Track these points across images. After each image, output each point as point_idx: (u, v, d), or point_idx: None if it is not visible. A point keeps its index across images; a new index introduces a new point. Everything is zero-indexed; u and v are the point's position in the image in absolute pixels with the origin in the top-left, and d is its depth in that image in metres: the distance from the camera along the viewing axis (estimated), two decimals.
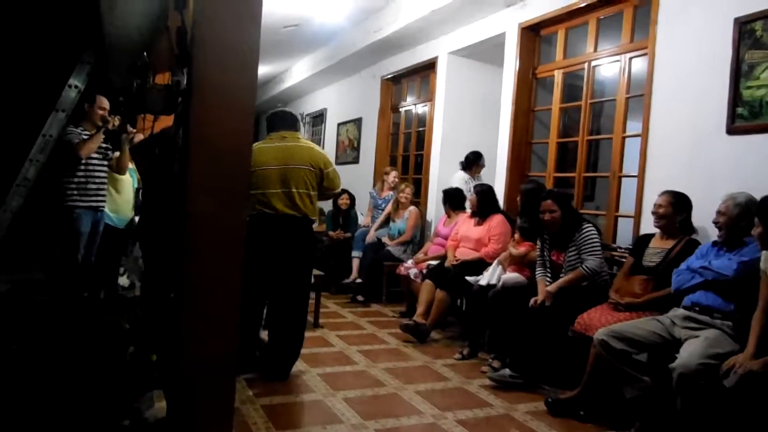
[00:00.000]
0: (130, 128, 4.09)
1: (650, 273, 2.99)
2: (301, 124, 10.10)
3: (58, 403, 2.26)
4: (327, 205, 6.71)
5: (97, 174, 4.10)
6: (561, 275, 3.40)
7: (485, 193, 4.47)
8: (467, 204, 4.91)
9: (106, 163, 4.19)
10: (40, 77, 4.23)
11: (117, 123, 4.08)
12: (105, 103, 4.11)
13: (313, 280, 4.18)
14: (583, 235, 3.33)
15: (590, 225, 3.39)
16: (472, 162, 5.44)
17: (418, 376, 3.47)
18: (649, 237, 3.16)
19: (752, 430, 2.21)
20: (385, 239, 5.67)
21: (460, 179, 5.41)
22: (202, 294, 2.37)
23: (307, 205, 3.21)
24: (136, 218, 4.35)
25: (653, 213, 3.09)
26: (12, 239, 4.06)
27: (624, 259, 3.31)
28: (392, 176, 6.12)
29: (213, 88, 2.36)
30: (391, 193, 6.00)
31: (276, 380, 3.19)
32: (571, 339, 3.03)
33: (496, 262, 3.97)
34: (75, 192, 3.99)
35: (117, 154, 4.33)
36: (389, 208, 5.87)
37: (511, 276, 3.77)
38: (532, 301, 3.37)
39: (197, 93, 2.36)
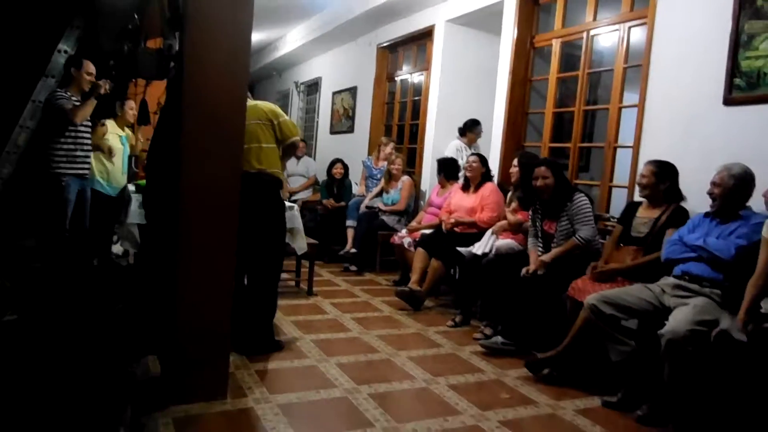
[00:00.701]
0: (101, 82, 4.00)
1: (640, 244, 3.02)
2: (296, 92, 10.01)
3: (52, 371, 2.29)
4: (321, 175, 6.70)
5: (85, 141, 4.08)
6: (552, 245, 3.43)
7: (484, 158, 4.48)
8: (460, 174, 4.91)
9: (91, 129, 4.15)
10: (29, 42, 4.16)
11: (108, 88, 4.03)
12: (91, 67, 4.04)
13: (306, 248, 4.21)
14: (575, 205, 3.36)
15: (582, 195, 3.41)
16: (468, 128, 5.42)
17: (410, 342, 3.52)
18: (636, 205, 3.18)
19: (739, 396, 2.27)
20: (379, 204, 5.68)
21: (453, 148, 5.41)
22: (196, 257, 2.39)
23: (262, 160, 3.10)
24: (130, 186, 4.33)
25: (638, 183, 3.11)
26: (2, 206, 4.05)
27: None
28: (389, 149, 6.10)
29: (206, 52, 2.34)
30: (386, 163, 5.99)
31: (247, 354, 3.05)
32: (562, 306, 3.07)
33: (490, 231, 4.00)
34: (63, 159, 3.96)
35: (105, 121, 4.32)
36: (383, 181, 5.86)
37: (505, 242, 3.80)
38: (523, 270, 3.40)
39: (190, 57, 2.34)
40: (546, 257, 3.39)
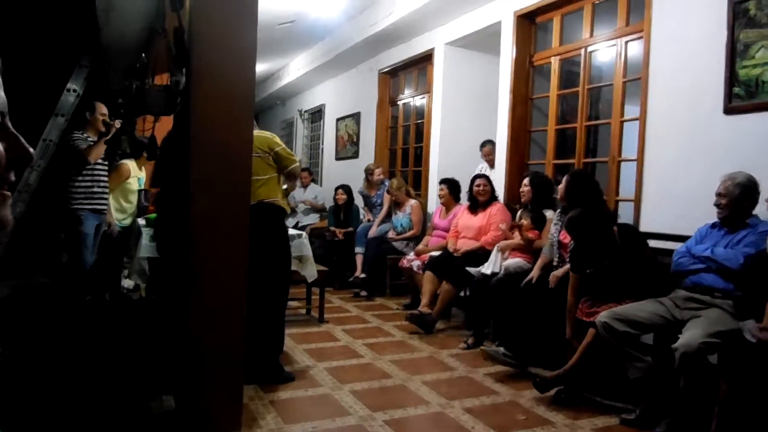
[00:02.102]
0: (112, 120, 4.20)
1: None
2: (300, 120, 10.13)
3: (70, 405, 2.30)
4: (329, 201, 6.74)
5: (101, 178, 4.29)
6: (566, 256, 3.43)
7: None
8: (461, 195, 4.97)
9: (107, 167, 4.30)
10: (39, 82, 4.27)
11: (118, 126, 4.18)
12: (104, 109, 4.26)
13: (316, 275, 4.23)
14: None
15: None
16: (481, 147, 5.42)
17: (424, 366, 3.50)
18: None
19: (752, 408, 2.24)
20: (390, 234, 5.69)
21: (479, 169, 5.40)
22: (208, 290, 2.41)
23: (263, 192, 3.12)
24: (140, 220, 4.40)
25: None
26: (14, 245, 4.12)
27: None
28: (377, 173, 6.21)
29: (212, 86, 2.40)
30: (382, 190, 6.08)
31: (259, 383, 3.04)
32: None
33: (496, 248, 4.01)
34: (81, 196, 4.16)
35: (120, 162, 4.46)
36: (387, 202, 5.89)
37: (514, 261, 3.81)
38: (525, 281, 3.43)
39: (197, 91, 2.40)
40: (559, 272, 3.39)
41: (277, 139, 3.25)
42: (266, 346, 3.15)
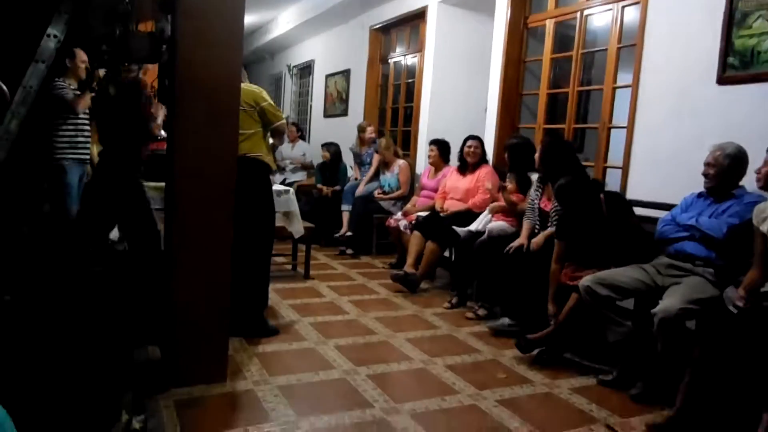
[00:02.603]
0: (97, 71, 4.10)
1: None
2: (289, 75, 9.94)
3: (52, 356, 2.30)
4: (317, 158, 6.68)
5: (85, 127, 4.20)
6: (548, 225, 3.45)
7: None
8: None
9: (89, 116, 4.19)
10: (18, 28, 4.11)
11: (101, 75, 4.06)
12: (84, 56, 4.13)
13: (303, 232, 4.21)
14: None
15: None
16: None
17: (407, 324, 3.54)
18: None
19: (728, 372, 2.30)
20: (377, 193, 5.67)
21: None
22: (192, 242, 2.39)
23: (246, 146, 3.04)
24: None
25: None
26: None
27: None
28: (369, 131, 6.16)
29: (199, 34, 2.32)
30: (372, 148, 6.02)
31: (245, 336, 3.08)
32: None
33: (487, 210, 4.02)
34: (66, 145, 4.07)
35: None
36: (375, 161, 5.85)
37: (497, 225, 3.82)
38: (508, 246, 3.48)
39: (183, 40, 2.32)
40: (539, 239, 3.41)
41: (264, 94, 3.17)
42: (250, 299, 3.15)
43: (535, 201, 3.59)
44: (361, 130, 6.25)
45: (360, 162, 6.23)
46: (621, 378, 2.71)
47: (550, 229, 3.40)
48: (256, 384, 2.53)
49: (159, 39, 2.73)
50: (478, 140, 4.52)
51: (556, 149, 3.43)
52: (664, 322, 2.39)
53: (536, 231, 3.54)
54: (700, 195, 2.79)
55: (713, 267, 2.57)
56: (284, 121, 3.32)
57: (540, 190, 3.59)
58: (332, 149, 6.31)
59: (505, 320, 3.40)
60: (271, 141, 3.35)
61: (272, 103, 3.19)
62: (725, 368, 2.17)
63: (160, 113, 4.13)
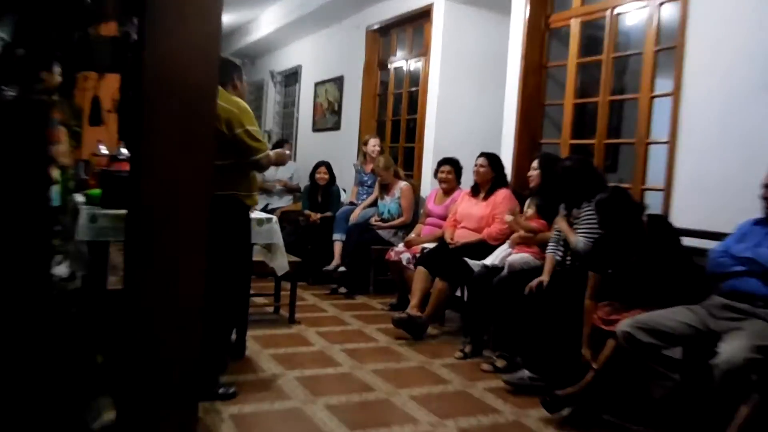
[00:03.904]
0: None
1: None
2: (272, 83, 10.02)
3: None
4: (305, 181, 6.69)
5: None
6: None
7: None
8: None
9: None
10: None
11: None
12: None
13: (288, 268, 4.18)
14: (585, 210, 3.39)
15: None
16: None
17: (412, 378, 3.50)
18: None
19: None
20: (374, 219, 5.66)
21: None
22: (159, 280, 2.36)
23: (222, 182, 2.80)
24: (78, 196, 4.31)
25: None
26: None
27: None
28: (371, 145, 6.13)
29: (170, 40, 2.32)
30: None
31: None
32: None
33: (508, 242, 3.99)
34: None
35: None
36: (377, 188, 5.84)
37: (518, 257, 3.79)
38: (528, 287, 3.46)
39: (151, 46, 2.32)
40: (544, 276, 3.47)
41: (248, 116, 2.98)
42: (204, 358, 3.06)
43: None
44: (363, 143, 6.26)
45: (361, 182, 6.22)
46: None
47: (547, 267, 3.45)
48: None
49: (123, 44, 2.74)
50: (488, 158, 4.51)
51: (580, 173, 3.49)
52: (728, 375, 2.35)
53: (564, 263, 3.52)
54: (757, 222, 2.78)
55: None
56: (267, 152, 3.09)
57: (566, 215, 3.58)
58: (329, 168, 6.33)
59: (525, 373, 3.35)
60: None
61: (255, 128, 3.00)
62: None
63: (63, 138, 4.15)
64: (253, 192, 3.21)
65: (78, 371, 2.87)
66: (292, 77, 9.45)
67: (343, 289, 5.59)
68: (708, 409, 2.45)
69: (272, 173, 6.96)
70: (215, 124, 2.89)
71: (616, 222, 2.97)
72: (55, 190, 4.56)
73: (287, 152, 3.97)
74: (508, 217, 4.02)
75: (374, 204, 5.85)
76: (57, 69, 4.01)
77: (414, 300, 4.36)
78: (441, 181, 5.06)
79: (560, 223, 3.55)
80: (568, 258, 3.53)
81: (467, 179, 4.89)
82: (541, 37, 4.78)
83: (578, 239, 3.37)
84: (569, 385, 2.94)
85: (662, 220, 3.15)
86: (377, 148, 6.14)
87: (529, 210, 4.00)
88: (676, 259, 2.93)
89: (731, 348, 2.40)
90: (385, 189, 5.70)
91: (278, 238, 4.08)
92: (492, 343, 3.93)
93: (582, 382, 2.91)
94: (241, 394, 3.06)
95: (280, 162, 3.56)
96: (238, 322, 3.62)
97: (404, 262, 4.87)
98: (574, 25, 4.53)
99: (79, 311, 3.83)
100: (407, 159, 6.49)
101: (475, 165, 4.52)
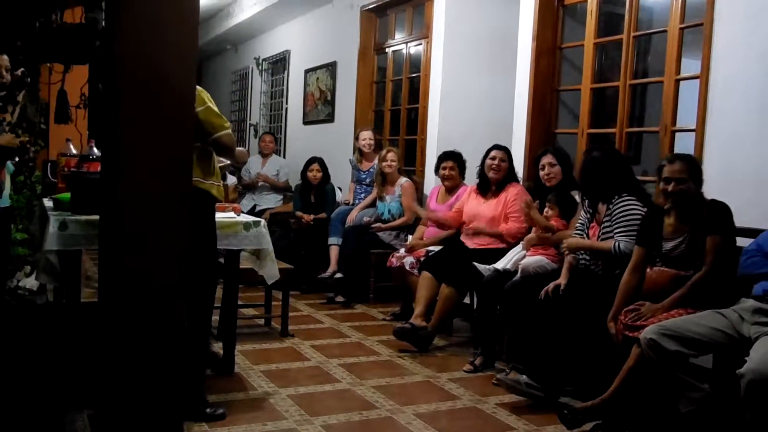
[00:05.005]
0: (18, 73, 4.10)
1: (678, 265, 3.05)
2: (257, 71, 10.04)
3: None
4: (295, 179, 6.70)
5: None
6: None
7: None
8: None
9: None
10: None
11: (19, 75, 4.09)
12: (5, 60, 4.13)
13: (278, 276, 4.21)
14: (619, 206, 3.40)
15: (631, 198, 3.42)
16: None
17: (418, 394, 3.53)
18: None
19: None
20: (366, 219, 5.69)
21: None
22: (139, 287, 2.40)
23: None
24: (47, 201, 4.35)
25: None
26: None
27: None
28: (363, 138, 6.14)
29: (142, 26, 2.36)
30: (375, 164, 6.00)
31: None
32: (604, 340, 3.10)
33: (521, 244, 4.01)
34: None
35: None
36: (376, 187, 5.86)
37: (533, 260, 3.81)
38: (543, 290, 3.48)
39: (121, 33, 2.36)
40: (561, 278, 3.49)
41: (205, 93, 3.07)
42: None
43: (585, 229, 3.61)
44: (355, 137, 6.28)
45: (359, 180, 6.24)
46: None
47: (588, 242, 3.49)
48: None
49: (91, 32, 2.78)
50: (505, 151, 4.53)
51: (611, 164, 3.50)
52: (753, 385, 2.38)
53: (585, 266, 3.55)
54: None
55: None
56: (228, 131, 3.18)
57: (590, 212, 3.60)
58: (323, 165, 6.33)
59: (523, 377, 3.35)
60: (220, 164, 3.28)
61: (212, 107, 3.09)
62: None
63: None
64: (215, 181, 3.20)
65: (46, 390, 2.91)
66: (279, 64, 9.47)
67: (340, 298, 5.62)
68: (741, 423, 2.47)
69: (257, 167, 7.00)
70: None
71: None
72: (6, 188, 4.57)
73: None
74: (524, 205, 4.00)
75: (373, 205, 5.88)
76: (5, 58, 4.05)
77: (418, 308, 4.37)
78: (443, 178, 5.08)
79: (580, 242, 3.58)
80: (591, 262, 3.55)
81: (471, 174, 4.91)
82: (555, 15, 4.80)
83: (618, 240, 3.34)
84: (571, 397, 2.96)
85: (722, 206, 3.12)
86: (371, 142, 6.16)
87: (551, 211, 3.98)
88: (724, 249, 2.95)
89: (760, 356, 2.43)
90: (386, 186, 5.72)
91: (267, 243, 4.11)
92: (505, 354, 3.96)
93: (605, 395, 2.94)
94: (230, 415, 3.09)
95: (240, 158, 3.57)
96: (225, 335, 3.67)
97: (407, 267, 4.87)
98: (591, 1, 4.55)
99: (49, 327, 3.87)
100: (408, 153, 6.49)
101: (491, 159, 4.49)
